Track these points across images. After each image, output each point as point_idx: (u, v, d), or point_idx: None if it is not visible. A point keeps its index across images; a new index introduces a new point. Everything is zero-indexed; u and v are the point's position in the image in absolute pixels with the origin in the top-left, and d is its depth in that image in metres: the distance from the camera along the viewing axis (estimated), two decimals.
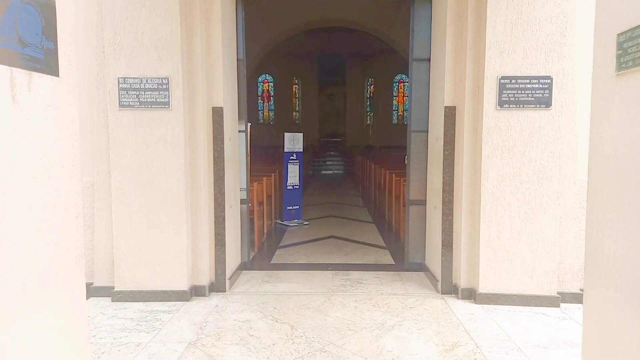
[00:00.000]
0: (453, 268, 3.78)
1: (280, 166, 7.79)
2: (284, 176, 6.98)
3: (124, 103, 3.54)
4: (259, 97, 25.53)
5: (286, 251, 5.28)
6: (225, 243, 3.84)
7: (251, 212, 5.34)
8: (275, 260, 4.90)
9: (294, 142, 6.96)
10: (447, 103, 3.75)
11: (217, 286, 3.83)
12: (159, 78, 3.50)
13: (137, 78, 3.51)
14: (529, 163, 3.47)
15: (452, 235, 3.78)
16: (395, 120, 25.78)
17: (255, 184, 5.45)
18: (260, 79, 25.38)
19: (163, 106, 3.54)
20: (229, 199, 3.97)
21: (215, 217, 3.81)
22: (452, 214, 3.77)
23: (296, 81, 26.64)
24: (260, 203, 6.00)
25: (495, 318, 3.27)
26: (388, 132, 25.42)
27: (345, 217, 7.65)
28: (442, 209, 3.79)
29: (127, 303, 3.55)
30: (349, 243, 5.68)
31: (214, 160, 3.80)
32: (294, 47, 25.02)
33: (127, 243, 3.59)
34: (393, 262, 4.78)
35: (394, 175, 6.65)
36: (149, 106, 3.54)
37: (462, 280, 3.67)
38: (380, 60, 25.05)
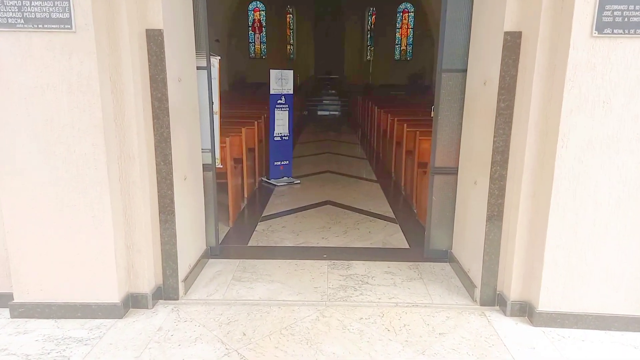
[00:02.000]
0: (499, 270, 2.68)
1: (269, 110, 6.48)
2: (270, 125, 5.70)
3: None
4: (249, 28, 23.26)
5: (269, 225, 4.16)
6: (175, 231, 2.68)
7: (224, 174, 4.15)
8: (253, 241, 3.79)
9: (282, 81, 5.59)
10: (509, 27, 2.43)
11: (167, 292, 2.73)
12: None
13: None
14: (634, 123, 2.25)
15: (500, 226, 2.63)
16: (397, 56, 23.83)
17: (229, 138, 4.19)
18: (250, 7, 22.95)
19: (62, 25, 2.21)
20: (180, 167, 2.75)
21: (159, 195, 2.62)
22: (503, 196, 2.59)
23: (290, 10, 24.20)
24: (238, 160, 4.79)
25: (567, 355, 2.22)
26: (389, 69, 23.57)
27: (344, 173, 6.48)
28: (490, 187, 2.61)
29: (32, 322, 2.46)
30: (350, 213, 4.56)
31: (152, 114, 2.53)
32: None
33: (26, 236, 2.43)
34: (408, 246, 3.69)
35: (405, 125, 5.39)
36: (40, 26, 2.21)
37: (512, 289, 2.58)
38: None
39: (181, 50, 2.77)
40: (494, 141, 2.55)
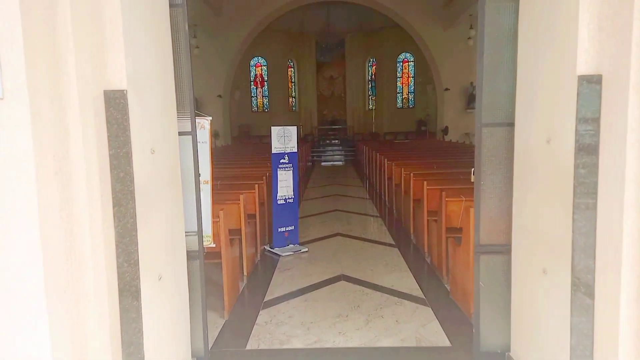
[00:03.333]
0: None
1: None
2: (272, 187, 5.09)
3: None
4: (252, 83, 23.45)
5: (273, 315, 3.41)
6: (143, 351, 1.97)
7: (218, 253, 3.47)
8: (254, 340, 3.03)
9: (284, 139, 5.04)
10: (584, 70, 1.84)
11: None
12: None
13: None
14: None
15: (592, 336, 1.90)
16: (400, 104, 23.77)
17: (222, 211, 3.54)
18: (252, 63, 23.25)
19: None
20: (152, 265, 2.09)
21: (121, 311, 1.93)
22: (592, 295, 1.88)
23: (291, 63, 24.52)
24: (236, 232, 4.13)
25: None
26: (393, 117, 23.43)
27: (357, 236, 5.77)
28: (572, 281, 1.91)
29: None
30: (369, 292, 3.82)
31: (113, 200, 1.90)
32: (288, 25, 22.87)
33: None
34: (449, 343, 2.91)
35: (425, 183, 4.75)
36: None
37: None
38: (382, 37, 22.89)
39: (155, 114, 2.18)
40: (573, 220, 1.88)
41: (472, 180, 2.61)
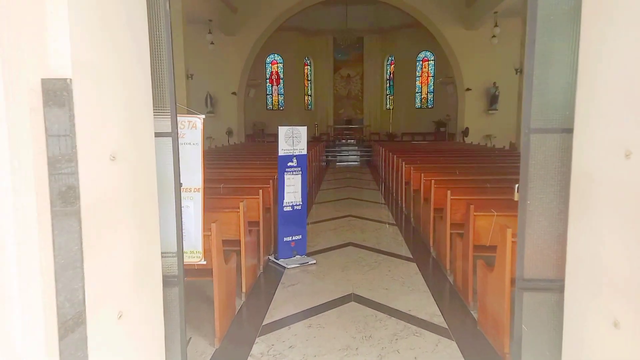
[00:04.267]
0: None
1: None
2: (278, 192, 4.64)
3: None
4: (267, 80, 23.10)
5: (272, 344, 2.96)
6: None
7: (210, 270, 3.04)
8: None
9: (293, 140, 4.59)
10: None
11: None
12: None
13: None
14: None
15: None
16: (418, 104, 23.10)
17: (217, 220, 3.10)
18: (268, 60, 22.90)
19: None
20: (109, 301, 1.65)
21: None
22: None
23: (308, 62, 24.08)
24: (234, 242, 3.70)
25: None
26: (411, 117, 22.79)
27: (371, 247, 5.28)
28: None
29: None
30: (383, 317, 3.33)
31: (52, 223, 1.46)
32: (305, 22, 22.44)
33: None
34: None
35: (449, 192, 4.24)
36: None
37: None
38: (401, 35, 22.26)
39: (119, 111, 1.75)
40: None
41: (515, 198, 2.10)
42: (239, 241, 3.74)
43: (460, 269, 3.78)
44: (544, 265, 2.03)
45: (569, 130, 1.92)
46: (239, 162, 8.44)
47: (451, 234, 4.23)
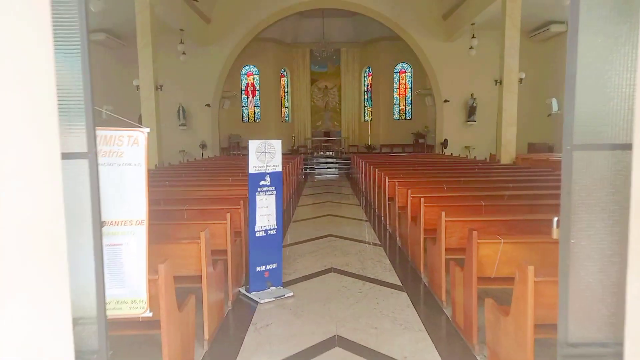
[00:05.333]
0: None
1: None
2: (249, 215, 4.06)
3: None
4: (243, 92, 22.51)
5: None
6: None
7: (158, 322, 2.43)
8: None
9: (266, 155, 4.03)
10: None
11: None
12: None
13: None
14: None
15: None
16: (396, 116, 22.91)
17: (166, 261, 2.50)
18: (243, 71, 22.34)
19: None
20: None
21: None
22: None
23: (285, 73, 23.65)
24: (194, 279, 3.10)
25: None
26: (389, 129, 22.56)
27: (355, 272, 4.73)
28: None
29: None
30: None
31: None
32: (281, 33, 22.03)
33: None
34: None
35: (444, 213, 3.75)
36: None
37: None
38: (379, 47, 22.11)
39: (10, 123, 1.17)
40: None
41: (554, 235, 1.61)
42: (201, 275, 3.13)
43: (460, 303, 3.27)
44: (594, 324, 1.53)
45: (626, 146, 1.44)
46: (209, 178, 7.81)
47: (447, 261, 3.73)
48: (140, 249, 2.21)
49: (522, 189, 5.60)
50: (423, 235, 4.46)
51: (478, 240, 2.88)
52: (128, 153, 2.12)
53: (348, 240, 6.26)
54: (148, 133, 2.23)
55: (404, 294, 4.07)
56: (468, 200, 4.98)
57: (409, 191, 5.15)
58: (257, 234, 4.05)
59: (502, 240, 2.88)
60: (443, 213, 3.67)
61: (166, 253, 3.08)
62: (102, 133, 2.03)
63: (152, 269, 2.29)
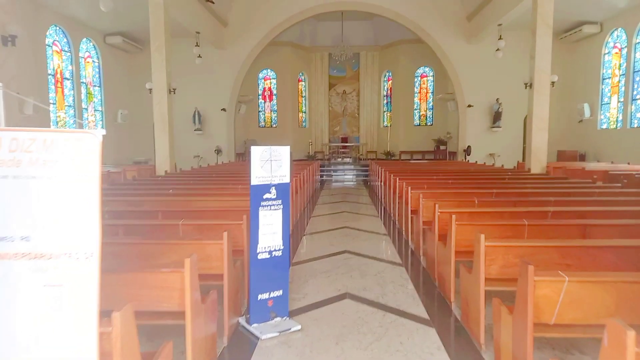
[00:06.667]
0: None
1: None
2: (251, 233, 3.48)
3: None
4: (260, 96, 22.13)
5: None
6: None
7: None
8: None
9: (271, 164, 3.46)
10: None
11: None
12: None
13: None
14: None
15: None
16: (417, 122, 22.16)
17: (120, 312, 1.94)
18: (260, 75, 21.98)
19: None
20: None
21: None
22: None
23: (302, 77, 23.20)
24: (178, 315, 2.54)
25: None
26: (409, 135, 21.82)
27: (374, 300, 4.11)
28: None
29: None
30: None
31: None
32: (299, 37, 21.60)
33: None
34: None
35: (483, 236, 3.10)
36: None
37: None
38: (399, 51, 21.45)
39: None
40: None
41: None
42: (183, 312, 2.57)
43: (507, 354, 2.61)
44: None
45: None
46: (218, 186, 7.30)
47: (485, 291, 3.08)
48: (89, 291, 1.65)
49: (566, 204, 4.89)
50: (454, 259, 3.82)
51: (535, 278, 2.23)
52: (61, 162, 1.57)
53: (366, 257, 5.63)
54: (102, 136, 1.68)
55: (432, 330, 3.42)
56: (505, 218, 4.31)
57: (437, 205, 4.50)
58: (260, 256, 3.47)
59: (567, 278, 2.22)
60: (482, 237, 3.03)
61: (144, 283, 2.54)
62: (10, 135, 1.48)
63: (103, 319, 1.73)
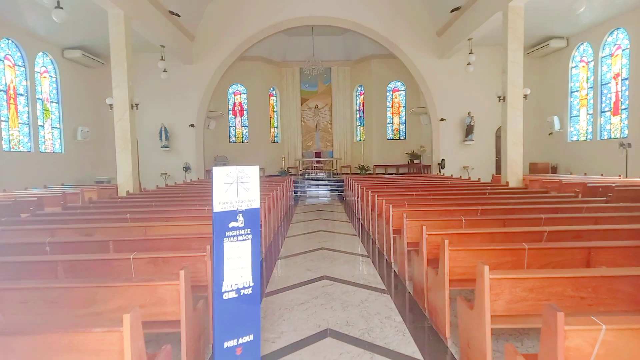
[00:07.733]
0: None
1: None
2: (214, 269, 2.93)
3: None
4: (230, 111, 21.53)
5: None
6: None
7: None
8: None
9: (237, 187, 2.94)
10: None
11: None
12: None
13: None
14: None
15: None
16: (390, 135, 22.06)
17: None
18: (230, 90, 21.42)
19: None
20: None
21: None
22: None
23: (274, 92, 22.79)
24: None
25: None
26: (383, 149, 21.66)
27: (358, 337, 3.61)
28: None
29: None
30: None
31: None
32: (270, 52, 21.23)
33: None
34: None
35: (486, 267, 2.67)
36: None
37: None
38: (371, 65, 21.39)
39: None
40: None
41: None
42: None
43: None
44: None
45: None
46: (182, 208, 6.68)
47: (492, 331, 2.64)
48: None
49: (560, 222, 4.57)
50: (448, 290, 3.38)
51: (566, 327, 1.80)
52: None
53: (346, 284, 5.14)
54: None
55: None
56: (499, 240, 3.94)
57: (424, 227, 4.08)
58: (226, 296, 2.92)
59: (604, 327, 1.80)
60: (486, 268, 2.60)
61: (71, 347, 1.96)
62: None
63: None
